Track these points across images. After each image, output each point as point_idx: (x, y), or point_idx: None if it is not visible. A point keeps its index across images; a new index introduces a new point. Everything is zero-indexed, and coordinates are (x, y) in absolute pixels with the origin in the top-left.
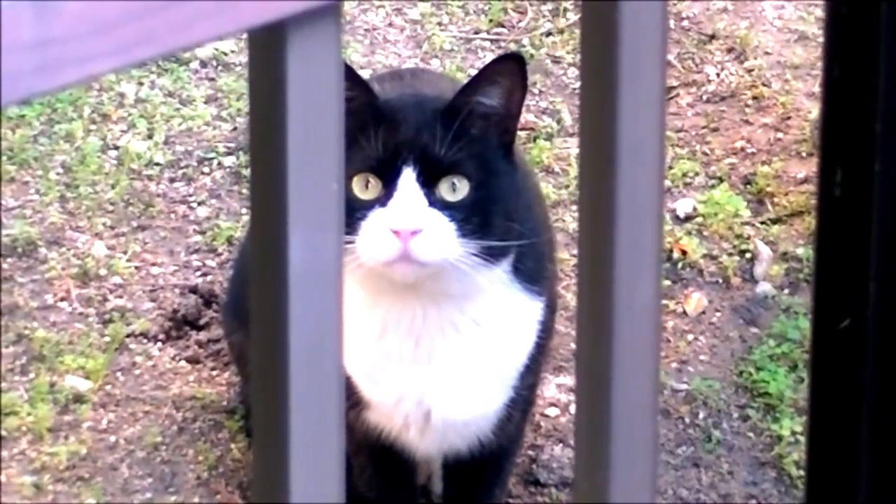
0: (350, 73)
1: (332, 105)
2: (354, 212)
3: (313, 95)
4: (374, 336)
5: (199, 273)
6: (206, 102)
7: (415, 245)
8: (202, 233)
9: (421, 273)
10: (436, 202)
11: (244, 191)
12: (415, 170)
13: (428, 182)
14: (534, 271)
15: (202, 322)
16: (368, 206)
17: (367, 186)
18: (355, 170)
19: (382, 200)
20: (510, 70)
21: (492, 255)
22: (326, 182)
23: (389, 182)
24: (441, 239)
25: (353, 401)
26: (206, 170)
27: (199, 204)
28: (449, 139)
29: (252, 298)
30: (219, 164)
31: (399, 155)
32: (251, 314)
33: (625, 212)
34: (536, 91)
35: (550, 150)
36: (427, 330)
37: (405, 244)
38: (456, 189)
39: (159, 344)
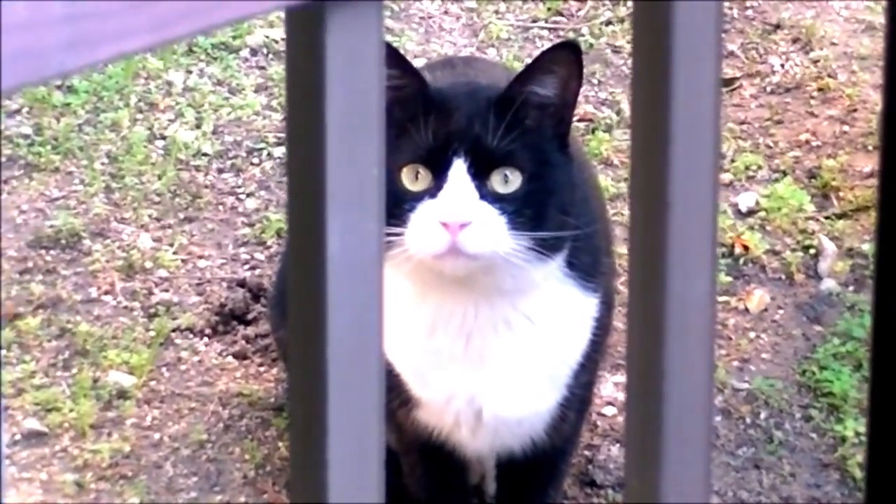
0: (401, 61)
1: (372, 87)
2: (403, 203)
3: (353, 77)
4: (424, 333)
5: (247, 266)
6: (255, 91)
7: (464, 238)
8: (251, 225)
9: (471, 266)
10: (487, 194)
11: None
12: (466, 161)
13: (479, 174)
14: (589, 266)
15: (250, 317)
16: (418, 197)
17: (416, 178)
18: (405, 160)
19: (432, 192)
20: (566, 59)
21: (545, 249)
22: (367, 167)
23: (440, 173)
24: (491, 232)
25: (403, 399)
26: (255, 160)
27: (248, 195)
28: (502, 130)
29: (290, 288)
30: (268, 154)
31: (450, 145)
32: (289, 304)
33: (678, 201)
34: (595, 81)
35: (609, 141)
36: (478, 327)
37: (454, 237)
38: (508, 181)
39: (205, 339)
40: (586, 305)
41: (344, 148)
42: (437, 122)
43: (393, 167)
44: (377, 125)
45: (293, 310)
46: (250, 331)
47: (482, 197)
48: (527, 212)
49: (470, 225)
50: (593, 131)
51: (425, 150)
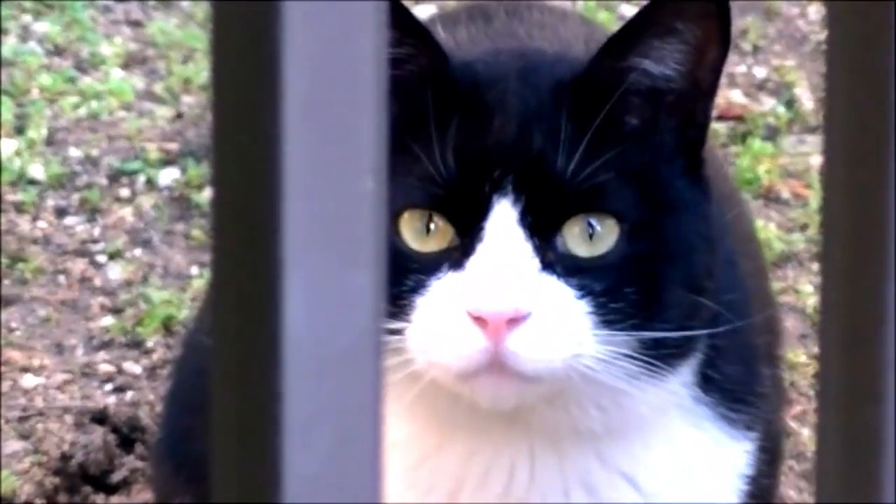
0: (401, 17)
1: (364, 50)
2: (404, 277)
3: (330, 35)
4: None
5: (109, 387)
6: (124, 66)
7: (516, 343)
8: (116, 311)
9: (527, 394)
10: (556, 262)
11: (196, 229)
12: (517, 203)
13: (542, 225)
14: (739, 384)
15: (115, 479)
16: (430, 267)
17: (427, 231)
18: (407, 201)
19: (456, 258)
20: (702, 10)
21: (660, 359)
22: (352, 179)
23: (470, 224)
24: (564, 331)
25: None
26: (123, 193)
27: (112, 257)
28: (584, 143)
29: (212, 419)
30: (148, 181)
31: (487, 174)
32: (211, 447)
33: None
34: (748, 48)
35: (773, 157)
36: (539, 493)
37: (497, 342)
38: (595, 237)
39: None
40: (732, 455)
41: (312, 147)
42: (464, 130)
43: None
44: (372, 107)
45: (219, 454)
46: None
47: (546, 267)
48: (627, 292)
49: (526, 320)
50: (744, 138)
51: (443, 182)
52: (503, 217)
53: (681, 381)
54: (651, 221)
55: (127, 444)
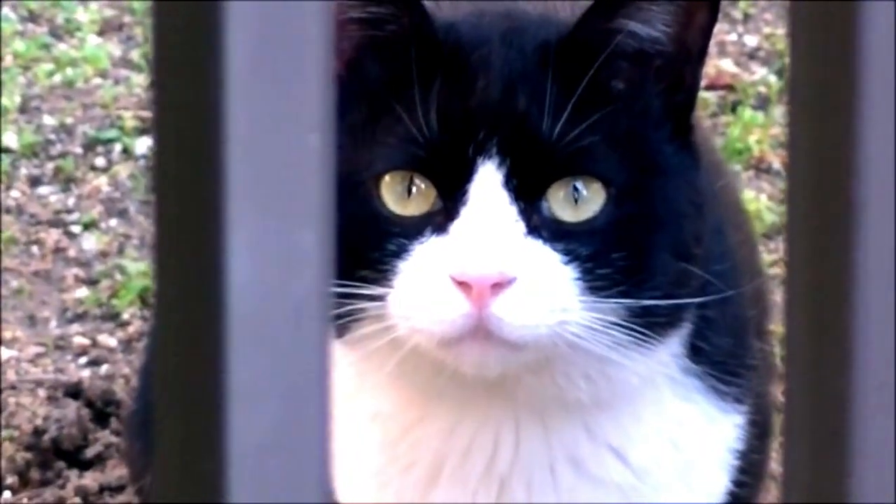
0: None
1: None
2: (385, 241)
3: None
4: (420, 480)
5: (84, 360)
6: (100, 33)
7: (501, 308)
8: (91, 283)
9: (512, 361)
10: (541, 226)
11: None
12: (502, 165)
13: (527, 188)
14: (729, 356)
15: (90, 453)
16: (413, 231)
17: (409, 194)
18: (388, 164)
19: (439, 222)
20: None
21: (648, 327)
22: (297, 134)
23: (452, 187)
24: (550, 297)
25: None
26: (99, 162)
27: (87, 227)
28: (570, 106)
29: (156, 386)
30: (124, 150)
31: (472, 136)
32: (155, 414)
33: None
34: (739, 16)
35: (764, 127)
36: (522, 469)
37: (482, 307)
38: (581, 201)
39: (6, 496)
40: (723, 428)
41: (255, 104)
42: (447, 92)
43: (366, 175)
44: (317, 63)
45: (161, 418)
46: (90, 480)
47: (531, 231)
48: (614, 257)
49: (511, 284)
50: (734, 108)
51: (425, 144)
52: (487, 180)
53: (670, 352)
54: (638, 186)
55: (101, 418)
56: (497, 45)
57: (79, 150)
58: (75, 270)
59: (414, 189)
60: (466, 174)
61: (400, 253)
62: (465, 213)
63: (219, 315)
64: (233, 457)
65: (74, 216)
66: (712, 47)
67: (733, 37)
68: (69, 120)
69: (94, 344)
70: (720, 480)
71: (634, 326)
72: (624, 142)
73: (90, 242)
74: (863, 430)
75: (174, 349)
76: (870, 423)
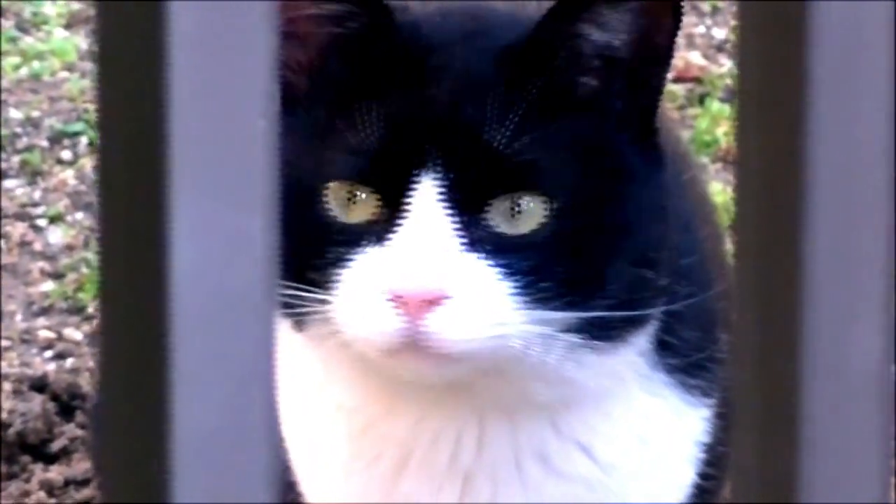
0: None
1: None
2: (329, 248)
3: None
4: (387, 471)
5: (49, 353)
6: (67, 27)
7: (436, 324)
8: (57, 276)
9: (449, 373)
10: (481, 240)
11: None
12: (442, 178)
13: (467, 202)
14: (696, 350)
15: (55, 447)
16: (354, 239)
17: (352, 202)
18: (331, 172)
19: (380, 233)
20: None
21: (606, 333)
22: (244, 119)
23: (394, 198)
24: (486, 312)
25: None
26: (65, 155)
27: (53, 220)
28: (518, 115)
29: (100, 372)
30: (90, 143)
31: (415, 147)
32: (100, 402)
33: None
34: (707, 9)
35: (732, 119)
36: (488, 462)
37: (416, 321)
38: (522, 214)
39: None
40: (689, 422)
41: (199, 85)
42: (397, 97)
43: (314, 181)
44: (262, 44)
45: (105, 405)
46: (56, 474)
47: (471, 245)
48: (559, 270)
49: (446, 300)
50: (702, 100)
51: (369, 153)
52: (427, 193)
53: (637, 350)
54: (594, 195)
55: (67, 412)
56: (457, 48)
57: (45, 144)
58: (41, 264)
59: (357, 197)
60: (407, 186)
61: (341, 261)
62: (404, 226)
63: (163, 301)
64: (178, 445)
65: (40, 209)
66: (680, 39)
67: (701, 29)
68: (35, 113)
69: (60, 337)
70: (686, 474)
71: (590, 334)
72: (581, 151)
73: (56, 236)
74: (813, 420)
75: (118, 336)
76: (820, 413)
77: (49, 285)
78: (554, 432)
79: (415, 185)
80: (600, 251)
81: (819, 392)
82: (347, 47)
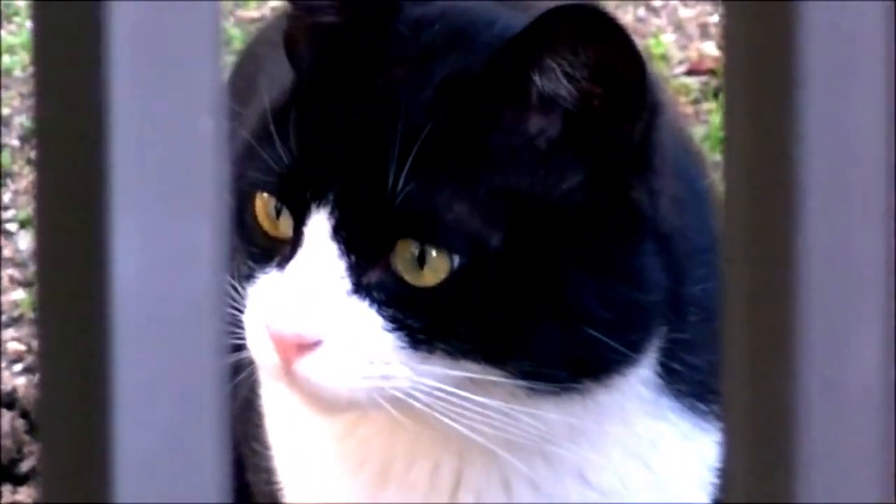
0: None
1: None
2: (250, 257)
3: None
4: (371, 478)
5: (18, 367)
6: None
7: (306, 368)
8: (27, 284)
9: (333, 412)
10: (374, 286)
11: None
12: (333, 214)
13: (362, 243)
14: (708, 374)
15: (25, 468)
16: (264, 257)
17: (277, 216)
18: (254, 182)
19: (284, 257)
20: (598, 33)
21: (566, 375)
22: (189, 118)
23: (299, 224)
24: (362, 362)
25: None
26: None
27: (22, 225)
28: (434, 156)
29: (39, 390)
30: None
31: (313, 175)
32: (39, 421)
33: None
34: None
35: None
36: (473, 483)
37: (288, 362)
38: (427, 265)
39: None
40: (701, 447)
41: (142, 83)
42: (323, 112)
43: (249, 186)
44: (208, 38)
45: (44, 424)
46: (25, 496)
47: (359, 290)
48: (461, 331)
49: (319, 345)
50: (718, 94)
51: (281, 170)
52: (320, 227)
53: (636, 378)
54: (517, 257)
55: (37, 430)
56: (408, 65)
57: (15, 143)
58: (10, 271)
59: (280, 213)
60: (305, 215)
61: (252, 274)
62: (295, 259)
63: (104, 314)
64: (120, 467)
65: (10, 213)
66: (694, 30)
67: (716, 18)
68: (6, 111)
69: (30, 350)
70: (698, 499)
71: (542, 380)
72: (507, 208)
73: (27, 241)
74: (808, 438)
75: (57, 351)
76: (815, 430)
77: (19, 294)
78: (543, 459)
79: (308, 218)
80: (522, 313)
81: (815, 410)
82: (317, 40)
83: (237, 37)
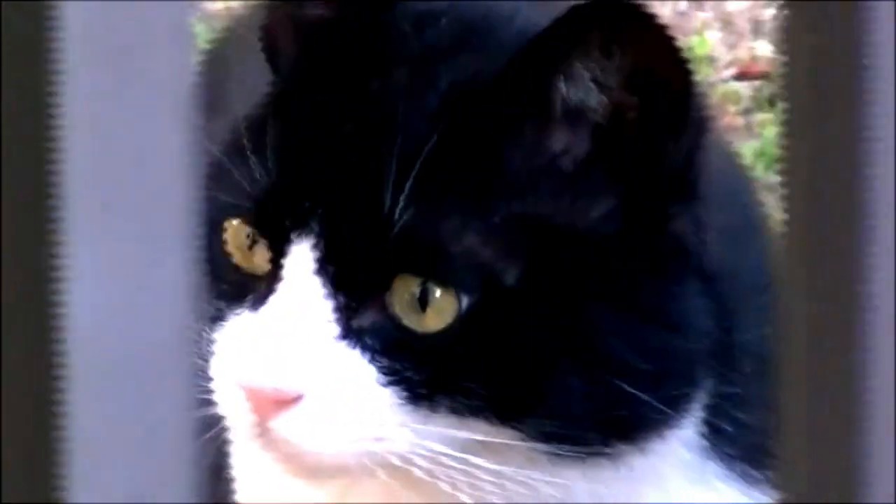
0: None
1: None
2: (220, 296)
3: None
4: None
5: None
6: None
7: (284, 426)
8: None
9: (314, 476)
10: (367, 331)
11: None
12: (317, 246)
13: (353, 281)
14: (760, 434)
15: None
16: (236, 293)
17: (252, 247)
18: (230, 204)
19: (263, 293)
20: (632, 28)
21: (589, 437)
22: (156, 137)
23: (278, 257)
24: (351, 420)
25: None
26: None
27: None
28: (437, 180)
29: None
30: None
31: (294, 199)
32: None
33: None
34: None
35: None
36: None
37: (263, 419)
38: (431, 306)
39: None
40: None
41: (101, 96)
42: (303, 129)
43: (212, 210)
44: (178, 44)
45: None
46: None
47: (349, 335)
48: (469, 386)
49: (298, 401)
50: (773, 102)
51: (257, 195)
52: (301, 260)
53: (678, 441)
54: (536, 298)
55: None
56: (409, 67)
57: None
58: None
59: (255, 244)
60: (285, 247)
61: (217, 319)
62: (273, 298)
63: (58, 359)
64: None
65: None
66: (744, 27)
67: (771, 13)
68: None
69: None
70: None
71: (564, 442)
72: (525, 240)
73: None
74: (875, 469)
75: (7, 400)
76: (883, 457)
77: None
78: None
79: (291, 248)
80: (541, 363)
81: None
82: (304, 33)
83: (201, 34)
